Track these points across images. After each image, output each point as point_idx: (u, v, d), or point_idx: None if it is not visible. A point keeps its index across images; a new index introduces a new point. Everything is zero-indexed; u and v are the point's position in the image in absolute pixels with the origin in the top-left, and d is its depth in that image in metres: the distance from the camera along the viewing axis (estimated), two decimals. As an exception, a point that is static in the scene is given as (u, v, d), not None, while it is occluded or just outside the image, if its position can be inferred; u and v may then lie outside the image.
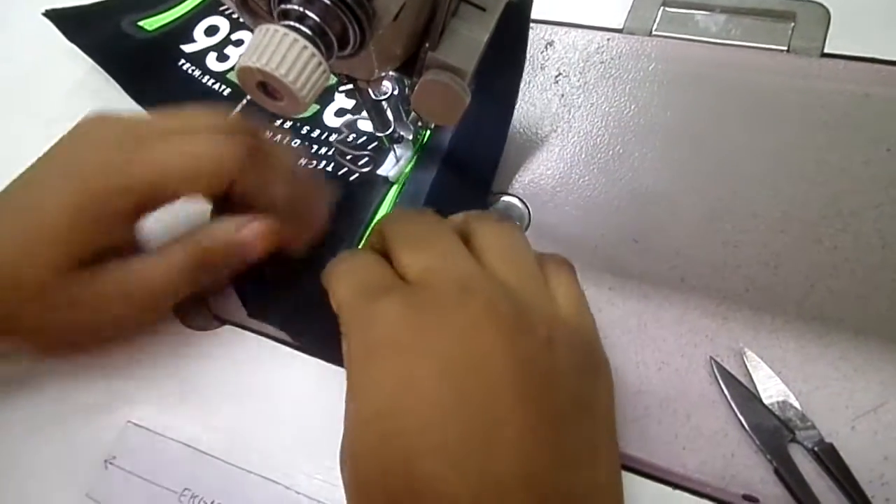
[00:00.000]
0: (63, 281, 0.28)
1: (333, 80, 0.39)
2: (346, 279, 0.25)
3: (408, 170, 0.36)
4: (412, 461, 0.20)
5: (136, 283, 0.29)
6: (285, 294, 0.33)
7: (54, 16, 0.47)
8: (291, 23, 0.18)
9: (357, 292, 0.24)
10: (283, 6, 0.18)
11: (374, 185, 0.36)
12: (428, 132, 0.37)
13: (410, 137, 0.36)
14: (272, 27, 0.17)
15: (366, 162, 0.35)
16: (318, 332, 0.31)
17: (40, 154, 0.32)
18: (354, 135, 0.37)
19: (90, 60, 0.46)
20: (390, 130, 0.35)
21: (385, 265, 0.25)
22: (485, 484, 0.20)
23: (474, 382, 0.21)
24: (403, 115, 0.35)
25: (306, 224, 0.33)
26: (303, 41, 0.17)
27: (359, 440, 0.22)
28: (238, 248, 0.31)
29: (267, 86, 0.18)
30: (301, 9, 0.18)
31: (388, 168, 0.36)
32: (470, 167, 0.36)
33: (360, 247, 0.33)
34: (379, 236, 0.27)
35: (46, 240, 0.27)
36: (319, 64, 0.18)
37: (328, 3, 0.18)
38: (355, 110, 0.40)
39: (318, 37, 0.18)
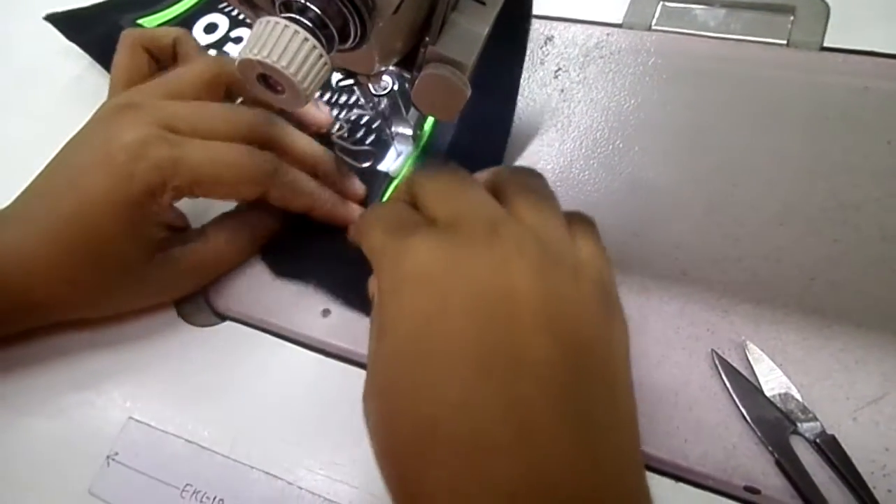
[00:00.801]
0: (135, 273, 0.31)
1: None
2: (376, 224, 0.26)
3: (408, 165, 0.36)
4: (443, 386, 0.21)
5: (208, 265, 0.34)
6: (311, 253, 0.34)
7: (54, 19, 0.47)
8: (292, 15, 0.18)
9: (388, 232, 0.25)
10: (284, -2, 0.18)
11: (375, 179, 0.36)
12: (430, 127, 0.37)
13: (410, 132, 0.36)
14: (273, 19, 0.17)
15: (366, 157, 0.35)
16: (348, 284, 0.32)
17: (37, 152, 0.32)
18: (354, 117, 0.37)
19: (87, 58, 0.46)
20: (390, 126, 0.35)
21: (414, 211, 0.26)
22: (512, 405, 0.20)
23: (503, 312, 0.22)
24: (403, 110, 0.35)
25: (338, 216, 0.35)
26: (304, 33, 0.17)
27: (390, 369, 0.23)
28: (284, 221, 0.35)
29: (268, 78, 0.18)
30: (302, 0, 0.18)
31: (388, 163, 0.36)
32: (474, 161, 0.36)
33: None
34: (407, 189, 0.27)
35: (106, 243, 0.29)
36: (320, 56, 0.18)
37: (329, -6, 0.18)
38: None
39: (319, 29, 0.18)
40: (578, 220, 0.27)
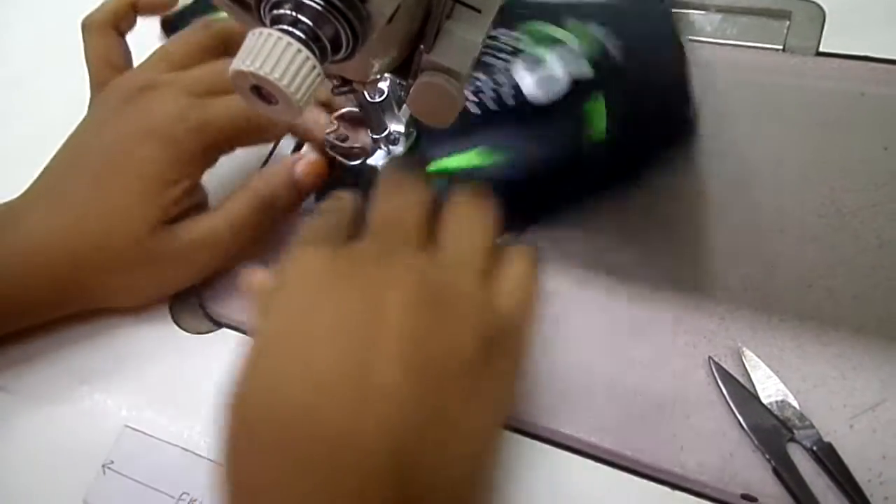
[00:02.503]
0: (150, 239, 0.31)
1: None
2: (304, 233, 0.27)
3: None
4: (290, 393, 0.21)
5: (208, 238, 0.33)
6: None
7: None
8: (285, 27, 0.18)
9: (302, 242, 0.26)
10: (274, 12, 0.18)
11: (366, 176, 0.36)
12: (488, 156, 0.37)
13: (402, 130, 0.36)
14: (265, 31, 0.17)
15: (356, 155, 0.35)
16: None
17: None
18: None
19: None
20: (385, 133, 0.34)
21: (341, 225, 0.27)
22: (348, 430, 0.20)
23: (362, 335, 0.21)
24: (396, 108, 0.35)
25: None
26: (296, 44, 0.17)
27: (251, 375, 0.23)
28: (292, 187, 0.35)
29: (261, 90, 0.18)
30: (293, 13, 0.18)
31: (378, 159, 0.36)
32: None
33: None
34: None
35: (135, 202, 0.31)
36: (314, 67, 0.18)
37: (320, 7, 0.18)
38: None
39: (312, 41, 0.18)
40: (515, 254, 0.26)
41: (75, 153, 0.33)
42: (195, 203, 0.33)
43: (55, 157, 0.33)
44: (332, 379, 0.21)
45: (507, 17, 0.38)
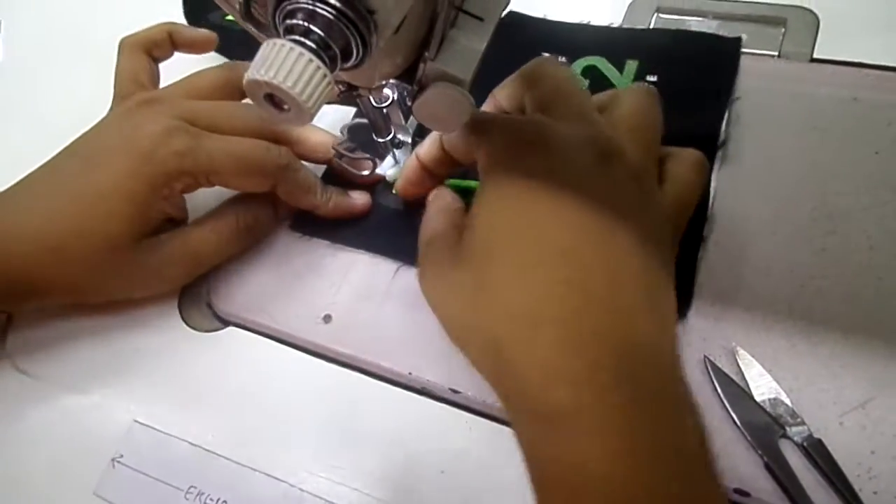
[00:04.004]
0: (122, 254, 0.32)
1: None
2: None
3: None
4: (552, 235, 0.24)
5: (194, 251, 0.34)
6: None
7: None
8: (297, 37, 0.19)
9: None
10: (287, 22, 0.19)
11: (375, 186, 0.37)
12: None
13: (409, 140, 0.36)
14: (279, 41, 0.18)
15: (365, 165, 0.36)
16: (372, 234, 0.36)
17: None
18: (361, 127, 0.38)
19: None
20: (390, 136, 0.35)
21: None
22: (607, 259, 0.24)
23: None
24: (402, 118, 0.35)
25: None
26: (308, 54, 0.18)
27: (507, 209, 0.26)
28: (273, 212, 0.37)
29: (274, 97, 0.19)
30: (305, 24, 0.19)
31: (386, 167, 0.37)
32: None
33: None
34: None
35: (102, 219, 0.31)
36: (324, 76, 0.19)
37: (331, 18, 0.18)
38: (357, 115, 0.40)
39: (323, 50, 0.19)
40: (684, 152, 0.29)
41: (68, 154, 0.33)
42: (171, 217, 0.34)
43: (56, 156, 0.34)
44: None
45: (572, 45, 0.40)
